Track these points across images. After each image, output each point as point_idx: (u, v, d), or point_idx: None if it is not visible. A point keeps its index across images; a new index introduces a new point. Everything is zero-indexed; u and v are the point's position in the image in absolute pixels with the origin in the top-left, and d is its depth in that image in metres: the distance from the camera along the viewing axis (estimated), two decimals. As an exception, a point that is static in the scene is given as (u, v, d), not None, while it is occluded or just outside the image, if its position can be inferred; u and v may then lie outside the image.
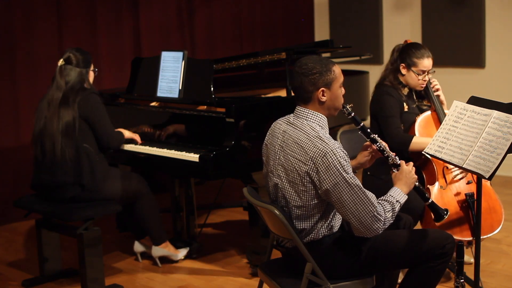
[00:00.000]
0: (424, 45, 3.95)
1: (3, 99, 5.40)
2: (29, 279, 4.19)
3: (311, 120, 2.81)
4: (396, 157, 2.98)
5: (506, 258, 4.29)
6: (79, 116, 3.91)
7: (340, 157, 2.68)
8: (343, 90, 2.88)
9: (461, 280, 3.11)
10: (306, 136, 2.76)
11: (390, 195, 2.83)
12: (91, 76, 4.11)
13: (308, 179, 2.73)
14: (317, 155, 2.69)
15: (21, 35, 5.44)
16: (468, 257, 3.98)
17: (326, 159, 2.67)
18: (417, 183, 2.96)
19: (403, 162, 2.95)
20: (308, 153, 2.72)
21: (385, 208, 2.75)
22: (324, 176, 2.68)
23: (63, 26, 5.67)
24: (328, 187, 2.68)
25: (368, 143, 3.04)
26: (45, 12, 5.58)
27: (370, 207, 2.69)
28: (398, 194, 2.83)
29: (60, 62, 4.01)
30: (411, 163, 2.97)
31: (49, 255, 4.17)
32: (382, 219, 2.72)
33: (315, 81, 2.78)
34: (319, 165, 2.68)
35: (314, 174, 2.71)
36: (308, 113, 2.82)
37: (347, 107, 2.94)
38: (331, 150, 2.68)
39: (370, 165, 3.13)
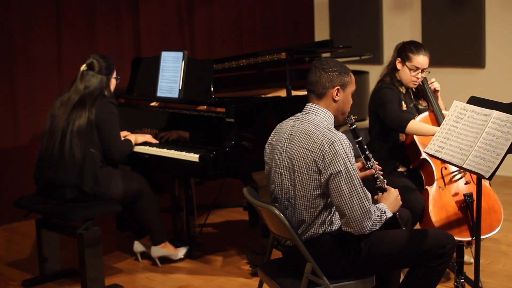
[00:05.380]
0: (424, 45, 3.94)
1: (2, 100, 5.39)
2: (29, 279, 4.18)
3: (320, 115, 2.88)
4: (385, 181, 3.04)
5: (506, 258, 4.29)
6: (94, 122, 3.94)
7: (346, 147, 2.75)
8: (351, 100, 2.96)
9: (461, 280, 3.11)
10: (315, 127, 2.82)
11: (380, 205, 2.89)
12: (113, 83, 4.16)
13: (314, 168, 2.77)
14: (324, 143, 2.74)
15: (20, 35, 5.43)
16: (468, 257, 3.97)
17: (333, 147, 2.73)
18: (397, 213, 3.02)
19: (390, 187, 3.03)
20: (316, 142, 2.77)
21: (375, 211, 2.81)
22: (329, 163, 2.73)
23: (62, 26, 5.66)
24: (330, 174, 2.73)
25: (361, 163, 3.08)
26: (44, 12, 5.56)
27: (365, 202, 2.74)
28: (386, 208, 2.88)
29: (83, 67, 4.05)
30: (397, 190, 3.03)
31: (49, 255, 4.17)
32: (372, 219, 2.77)
33: (333, 78, 2.87)
34: (326, 152, 2.73)
35: (320, 161, 2.75)
36: (318, 109, 2.89)
37: (352, 118, 3.04)
38: (339, 140, 2.74)
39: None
